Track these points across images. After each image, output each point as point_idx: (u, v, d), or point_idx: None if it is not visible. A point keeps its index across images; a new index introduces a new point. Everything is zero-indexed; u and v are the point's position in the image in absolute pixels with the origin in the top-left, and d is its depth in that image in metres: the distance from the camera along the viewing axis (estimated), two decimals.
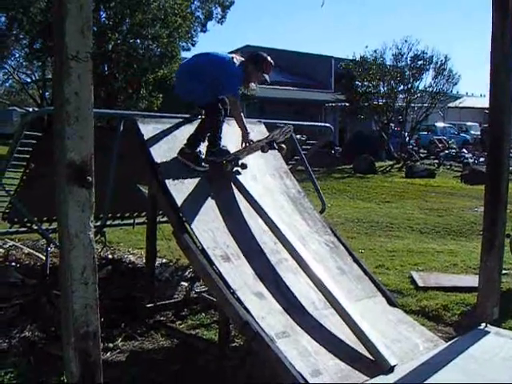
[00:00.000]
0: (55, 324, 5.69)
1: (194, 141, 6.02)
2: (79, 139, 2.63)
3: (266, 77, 6.13)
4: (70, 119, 2.59)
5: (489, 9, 5.35)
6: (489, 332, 5.53)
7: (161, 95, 25.48)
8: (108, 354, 5.30)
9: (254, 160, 6.40)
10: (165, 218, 7.59)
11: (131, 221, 8.58)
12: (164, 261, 8.48)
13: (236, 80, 6.04)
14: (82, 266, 2.69)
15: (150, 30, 23.94)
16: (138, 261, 8.57)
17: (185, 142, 6.00)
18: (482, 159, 29.91)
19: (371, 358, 4.71)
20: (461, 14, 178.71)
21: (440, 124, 42.39)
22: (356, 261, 6.20)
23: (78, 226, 2.66)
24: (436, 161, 30.28)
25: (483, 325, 5.65)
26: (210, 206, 5.66)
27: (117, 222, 8.31)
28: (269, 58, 6.13)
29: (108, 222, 7.60)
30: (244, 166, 6.18)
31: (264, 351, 4.48)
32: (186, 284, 7.52)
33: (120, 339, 5.65)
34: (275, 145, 6.36)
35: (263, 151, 6.22)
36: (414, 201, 17.51)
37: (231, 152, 6.12)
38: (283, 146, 6.51)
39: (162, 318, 6.34)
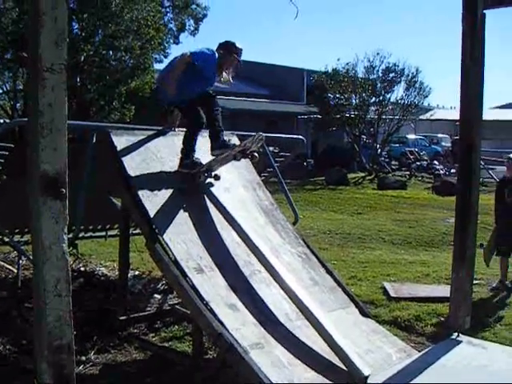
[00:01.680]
0: (27, 337, 5.63)
1: (187, 150, 6.08)
2: (53, 151, 2.63)
3: (238, 58, 6.30)
4: (43, 131, 2.59)
5: (460, 22, 5.44)
6: (461, 341, 5.58)
7: (133, 107, 25.37)
8: (81, 367, 5.26)
9: (226, 172, 6.41)
10: (137, 230, 7.55)
11: (103, 233, 8.52)
12: (137, 273, 8.43)
13: (205, 51, 6.12)
14: (55, 279, 2.68)
15: (122, 42, 23.83)
16: (110, 273, 8.51)
17: (161, 155, 6.05)
18: (453, 171, 30.17)
19: (345, 368, 4.73)
20: (432, 27, 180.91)
21: (411, 136, 42.70)
22: (329, 272, 6.23)
23: (51, 237, 2.66)
24: (407, 172, 30.51)
25: (455, 334, 5.70)
26: (183, 218, 5.66)
27: (89, 234, 8.25)
28: (237, 42, 6.29)
29: (80, 235, 7.54)
30: (217, 178, 6.18)
31: (238, 363, 4.48)
32: (158, 296, 7.49)
33: (93, 352, 5.62)
34: (248, 153, 6.37)
35: (236, 159, 6.24)
36: (385, 212, 17.62)
37: (204, 163, 6.13)
38: (256, 154, 6.54)
39: (135, 331, 6.31)
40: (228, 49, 6.24)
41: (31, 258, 7.70)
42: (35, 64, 2.57)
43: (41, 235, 2.64)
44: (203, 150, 6.26)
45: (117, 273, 8.35)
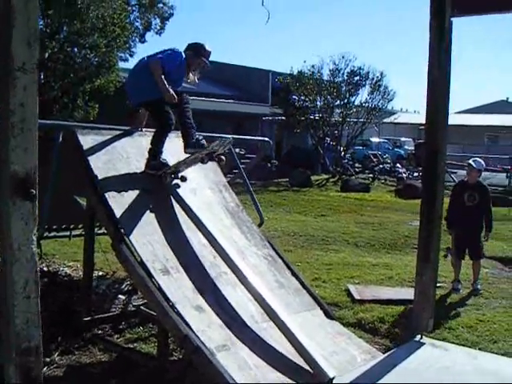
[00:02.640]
0: None
1: (154, 151, 6.05)
2: (23, 151, 2.60)
3: (206, 61, 6.33)
4: (14, 130, 2.56)
5: (425, 27, 5.51)
6: (424, 343, 5.65)
7: (97, 105, 25.17)
8: (45, 368, 5.19)
9: (193, 173, 6.40)
10: (102, 230, 7.50)
11: (67, 233, 8.42)
12: (101, 273, 8.35)
13: (173, 53, 6.14)
14: (24, 280, 2.65)
15: (87, 39, 23.63)
16: (73, 273, 8.42)
17: (127, 155, 6.02)
18: (415, 174, 30.58)
19: (310, 370, 4.77)
20: (396, 31, 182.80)
21: (375, 139, 43.14)
22: (294, 274, 6.26)
23: (21, 239, 2.63)
24: (371, 175, 30.78)
25: (418, 336, 5.77)
26: (149, 219, 5.64)
27: (53, 233, 8.15)
28: (206, 44, 6.33)
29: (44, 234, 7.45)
30: (183, 179, 6.17)
31: (204, 365, 4.49)
32: (123, 297, 7.44)
33: (57, 353, 5.56)
34: (215, 157, 6.38)
35: (203, 162, 6.24)
36: (349, 214, 17.74)
37: (171, 165, 6.12)
38: (222, 157, 6.54)
39: (99, 332, 6.26)
40: (197, 50, 6.27)
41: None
42: (6, 63, 2.54)
43: (10, 236, 2.61)
44: (170, 152, 6.25)
45: (80, 273, 8.27)
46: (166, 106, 6.04)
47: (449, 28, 5.54)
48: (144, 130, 6.50)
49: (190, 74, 6.39)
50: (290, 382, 4.62)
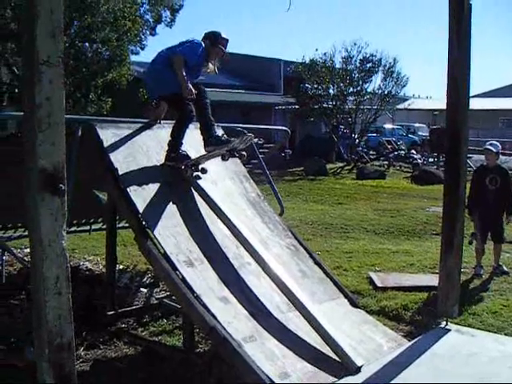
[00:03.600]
0: (14, 335, 5.56)
1: (174, 144, 6.01)
2: (51, 146, 2.57)
3: (223, 49, 6.27)
4: (41, 125, 2.52)
5: (436, 13, 5.47)
6: (450, 330, 5.62)
7: (110, 99, 25.20)
8: None
9: (213, 165, 6.36)
10: (122, 224, 7.51)
11: (86, 227, 8.44)
12: (121, 267, 8.36)
13: (194, 45, 6.06)
14: (55, 276, 2.63)
15: (99, 34, 23.65)
16: (94, 267, 8.45)
17: (147, 148, 5.98)
18: (430, 160, 30.43)
19: (337, 359, 4.74)
20: (409, 18, 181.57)
21: (388, 126, 42.96)
22: (317, 263, 6.23)
23: (50, 235, 2.60)
24: (386, 162, 30.65)
25: (444, 323, 5.74)
26: (171, 212, 5.61)
27: (73, 228, 8.17)
28: (223, 33, 6.27)
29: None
30: (204, 171, 6.13)
31: (232, 356, 4.46)
32: (145, 290, 7.44)
33: (82, 348, 5.56)
34: (236, 153, 6.33)
35: (224, 159, 6.17)
36: (366, 202, 17.67)
37: (191, 157, 6.08)
38: (243, 153, 6.49)
39: (123, 326, 6.26)
40: (214, 39, 6.21)
41: (19, 254, 7.63)
42: (31, 57, 2.51)
43: (39, 232, 2.58)
44: (190, 144, 6.21)
45: (101, 267, 8.31)
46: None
47: (468, 10, 5.48)
48: (163, 122, 6.46)
49: (210, 64, 6.33)
50: (319, 371, 4.59)
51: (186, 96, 5.88)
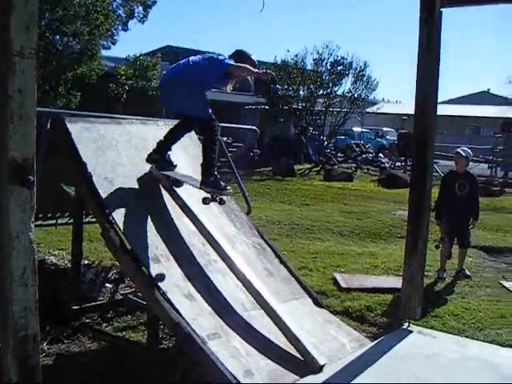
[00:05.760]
0: None
1: (163, 147, 5.92)
2: (21, 137, 2.57)
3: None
4: (13, 116, 2.52)
5: (408, 19, 5.55)
6: (412, 331, 5.73)
7: (79, 93, 25.02)
8: None
9: (180, 162, 6.36)
10: (88, 219, 7.46)
11: (52, 221, 8.36)
12: (87, 262, 8.31)
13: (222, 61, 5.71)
14: (22, 268, 2.63)
15: (70, 27, 23.46)
16: (60, 262, 8.39)
17: (116, 143, 5.95)
18: (397, 164, 30.70)
19: (301, 358, 4.79)
20: (381, 22, 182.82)
21: (357, 129, 43.24)
22: (283, 262, 6.28)
23: (18, 226, 2.60)
24: (353, 165, 30.81)
25: (406, 324, 5.83)
26: (138, 207, 5.61)
27: (38, 222, 8.09)
28: (253, 56, 5.95)
29: None
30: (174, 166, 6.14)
31: (196, 352, 4.49)
32: (110, 286, 7.41)
33: (46, 342, 5.51)
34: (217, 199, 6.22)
35: (205, 203, 5.82)
36: (333, 204, 17.75)
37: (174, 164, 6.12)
38: (224, 199, 6.33)
39: (87, 321, 6.24)
40: (240, 59, 5.80)
41: None
42: (4, 48, 2.50)
43: (8, 224, 2.58)
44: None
45: (66, 262, 8.25)
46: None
47: (438, 18, 5.57)
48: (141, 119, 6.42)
49: (229, 85, 6.04)
50: (282, 369, 4.64)
51: (265, 78, 5.78)
